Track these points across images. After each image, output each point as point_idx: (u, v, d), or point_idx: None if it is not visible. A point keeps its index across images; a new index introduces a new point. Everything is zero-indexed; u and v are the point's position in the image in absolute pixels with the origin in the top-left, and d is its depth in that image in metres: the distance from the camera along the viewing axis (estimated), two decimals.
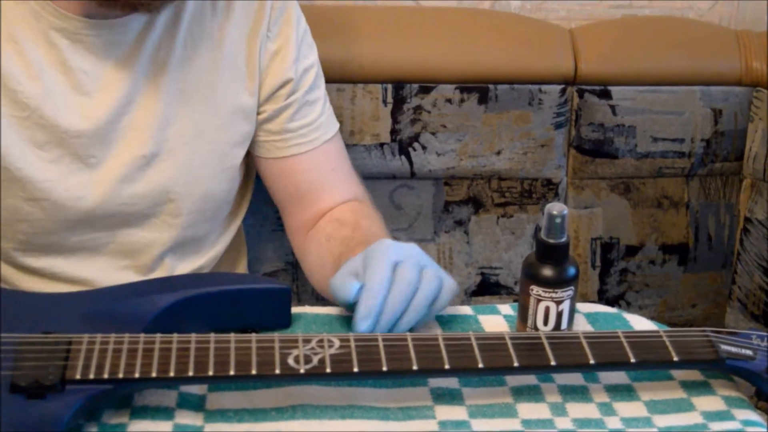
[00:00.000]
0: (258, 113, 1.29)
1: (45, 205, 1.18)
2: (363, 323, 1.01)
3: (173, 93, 1.21)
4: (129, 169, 1.20)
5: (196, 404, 0.97)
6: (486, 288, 1.68)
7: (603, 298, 1.70)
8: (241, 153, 1.29)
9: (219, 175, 1.26)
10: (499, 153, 1.61)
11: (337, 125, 1.36)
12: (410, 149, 1.59)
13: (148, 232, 1.24)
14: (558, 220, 1.02)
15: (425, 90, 1.57)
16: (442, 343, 0.97)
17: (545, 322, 1.04)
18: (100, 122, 1.17)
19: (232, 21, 1.24)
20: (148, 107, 1.19)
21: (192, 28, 1.21)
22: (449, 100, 1.58)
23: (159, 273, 1.26)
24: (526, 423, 0.97)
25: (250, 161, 1.36)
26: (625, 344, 1.00)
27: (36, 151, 1.16)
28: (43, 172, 1.17)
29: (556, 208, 1.02)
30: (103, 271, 1.24)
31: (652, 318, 1.67)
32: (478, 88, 1.58)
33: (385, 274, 1.03)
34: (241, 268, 1.45)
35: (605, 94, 1.61)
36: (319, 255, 1.31)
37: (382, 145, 1.58)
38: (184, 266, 1.29)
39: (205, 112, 1.23)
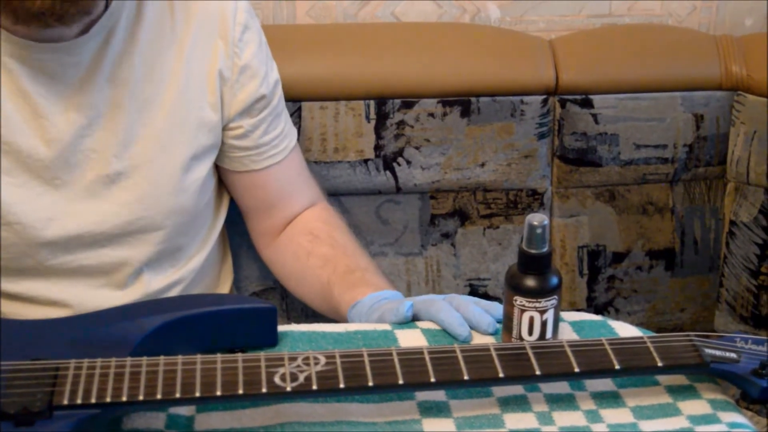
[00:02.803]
0: (230, 128, 1.30)
1: (17, 228, 1.18)
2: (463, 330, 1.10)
3: (135, 112, 1.21)
4: (95, 188, 1.21)
5: (184, 425, 0.97)
6: None
7: (591, 305, 1.71)
8: (207, 165, 1.30)
9: (186, 189, 1.27)
10: (483, 165, 1.62)
11: (296, 131, 1.41)
12: (395, 164, 1.60)
13: (122, 249, 1.24)
14: (539, 231, 1.03)
15: (408, 105, 1.58)
16: (427, 357, 0.98)
17: (530, 332, 1.05)
18: (61, 145, 1.18)
19: (192, 36, 1.25)
20: (110, 127, 1.20)
21: (151, 44, 1.22)
22: (432, 114, 1.59)
23: (136, 288, 1.27)
24: None
25: (219, 173, 1.37)
26: (610, 351, 1.00)
27: (3, 176, 1.17)
28: (12, 196, 1.17)
29: (536, 218, 1.03)
30: (80, 291, 1.24)
31: (641, 324, 1.69)
32: (461, 102, 1.59)
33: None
34: (227, 281, 1.45)
35: (587, 103, 1.62)
36: (301, 271, 1.35)
37: (366, 161, 1.59)
38: (161, 279, 1.29)
39: (168, 128, 1.23)
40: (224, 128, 1.30)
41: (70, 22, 1.11)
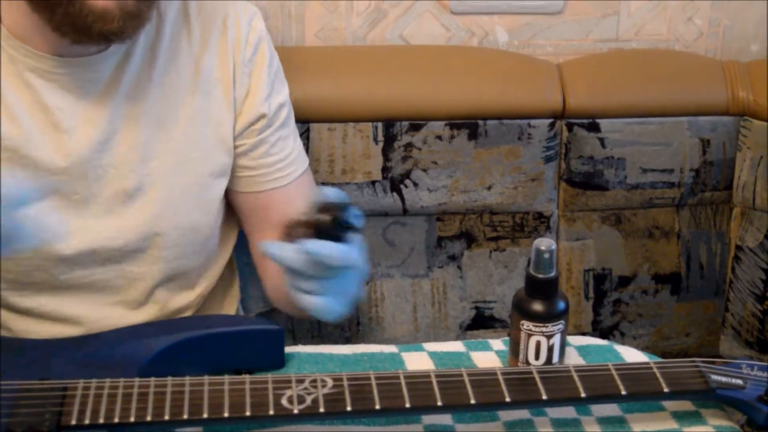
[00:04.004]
0: (235, 147, 1.30)
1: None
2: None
3: (152, 128, 1.22)
4: (112, 204, 1.21)
5: None
6: (480, 322, 1.69)
7: (597, 329, 1.71)
8: (223, 184, 1.30)
9: (202, 207, 1.27)
10: (490, 188, 1.62)
11: (307, 160, 1.39)
12: (402, 186, 1.60)
13: (136, 266, 1.25)
14: (546, 256, 1.03)
15: (415, 127, 1.58)
16: (434, 380, 0.98)
17: (536, 357, 1.05)
18: (80, 159, 1.18)
19: (208, 54, 1.26)
20: (128, 143, 1.21)
21: (168, 63, 1.23)
22: (439, 137, 1.59)
23: (150, 307, 1.27)
24: None
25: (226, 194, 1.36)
26: (616, 377, 1.01)
27: None
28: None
29: (544, 243, 1.04)
30: (93, 308, 1.24)
31: (646, 348, 1.68)
32: (468, 124, 1.59)
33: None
34: (233, 302, 1.44)
35: (594, 127, 1.62)
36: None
37: (373, 182, 1.60)
38: (176, 300, 1.29)
39: (185, 145, 1.24)
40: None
41: (128, 39, 1.13)
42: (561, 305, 1.05)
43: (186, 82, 1.24)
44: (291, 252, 1.01)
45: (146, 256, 1.25)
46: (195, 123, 1.25)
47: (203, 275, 1.33)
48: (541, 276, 1.04)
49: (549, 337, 1.05)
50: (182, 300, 1.30)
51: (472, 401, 0.97)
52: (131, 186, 1.21)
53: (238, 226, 1.40)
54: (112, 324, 1.19)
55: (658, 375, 1.01)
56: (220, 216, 1.32)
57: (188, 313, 1.31)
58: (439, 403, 0.96)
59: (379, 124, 1.58)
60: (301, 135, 1.49)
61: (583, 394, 0.99)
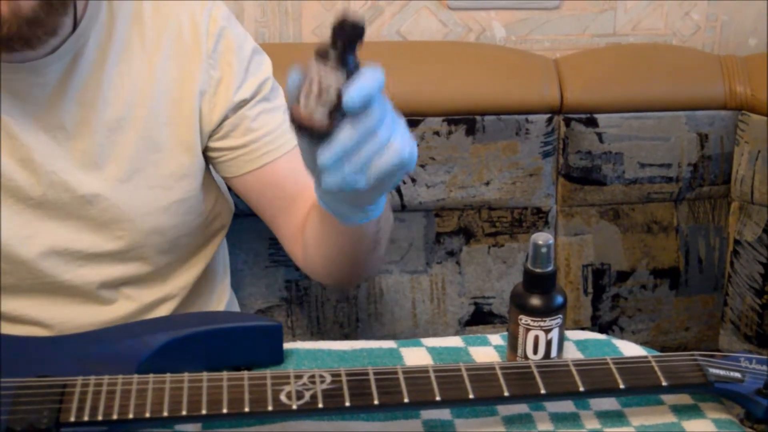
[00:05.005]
0: (213, 134, 1.26)
1: None
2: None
3: (105, 131, 1.20)
4: (71, 208, 1.20)
5: None
6: (479, 318, 1.69)
7: (596, 324, 1.71)
8: (190, 186, 1.27)
9: (166, 210, 1.25)
10: (488, 183, 1.63)
11: None
12: (400, 182, 1.60)
13: (101, 268, 1.23)
14: (543, 250, 1.03)
15: (413, 123, 1.58)
16: (432, 375, 0.98)
17: (535, 351, 1.05)
18: (32, 165, 1.17)
19: (162, 55, 1.22)
20: (80, 148, 1.19)
21: (120, 66, 1.20)
22: (437, 133, 1.59)
23: (123, 304, 1.26)
24: None
25: (216, 190, 1.34)
26: (614, 370, 1.01)
27: None
28: None
29: (541, 237, 1.04)
30: (63, 309, 1.23)
31: (645, 342, 1.69)
32: (466, 120, 1.59)
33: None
34: (222, 296, 1.43)
35: (592, 122, 1.62)
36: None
37: None
38: (148, 294, 1.28)
39: (141, 149, 1.22)
40: (210, 137, 1.27)
41: (38, 45, 1.10)
42: (559, 299, 1.05)
43: (140, 84, 1.21)
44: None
45: (110, 259, 1.23)
46: (151, 125, 1.22)
47: (177, 272, 1.31)
48: (538, 270, 1.04)
49: (547, 331, 1.05)
50: (156, 293, 1.28)
51: (471, 396, 0.97)
52: (87, 191, 1.19)
53: (225, 219, 1.38)
54: (84, 323, 1.18)
55: (657, 369, 1.01)
56: (192, 214, 1.28)
57: (169, 305, 1.30)
58: (438, 398, 0.96)
59: None
60: None
61: (581, 388, 0.99)
